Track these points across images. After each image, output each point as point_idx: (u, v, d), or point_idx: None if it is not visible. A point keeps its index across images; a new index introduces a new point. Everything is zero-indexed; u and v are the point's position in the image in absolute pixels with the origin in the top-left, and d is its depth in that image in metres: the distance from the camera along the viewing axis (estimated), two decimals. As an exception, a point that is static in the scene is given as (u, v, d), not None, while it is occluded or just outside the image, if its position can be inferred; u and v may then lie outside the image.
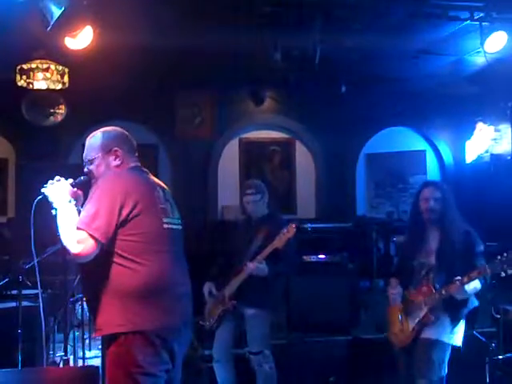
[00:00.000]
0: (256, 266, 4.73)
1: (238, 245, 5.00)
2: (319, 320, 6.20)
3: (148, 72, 7.37)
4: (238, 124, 8.70)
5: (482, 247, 4.04)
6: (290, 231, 4.68)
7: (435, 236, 4.18)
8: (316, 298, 6.28)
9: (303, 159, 8.87)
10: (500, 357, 5.11)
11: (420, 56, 7.29)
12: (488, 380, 5.09)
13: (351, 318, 6.35)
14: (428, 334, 4.06)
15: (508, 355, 5.09)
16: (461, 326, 4.13)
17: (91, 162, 3.23)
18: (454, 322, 4.06)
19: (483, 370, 5.10)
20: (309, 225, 7.40)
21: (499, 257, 3.68)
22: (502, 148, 8.19)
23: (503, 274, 3.66)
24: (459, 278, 3.84)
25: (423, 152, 9.16)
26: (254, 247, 4.86)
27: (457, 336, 4.08)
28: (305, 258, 6.51)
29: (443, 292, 3.95)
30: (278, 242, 4.68)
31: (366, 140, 8.94)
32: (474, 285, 3.92)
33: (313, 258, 6.53)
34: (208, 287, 4.97)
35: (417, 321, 4.10)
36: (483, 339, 5.24)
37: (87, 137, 3.31)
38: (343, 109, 8.45)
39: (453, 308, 4.04)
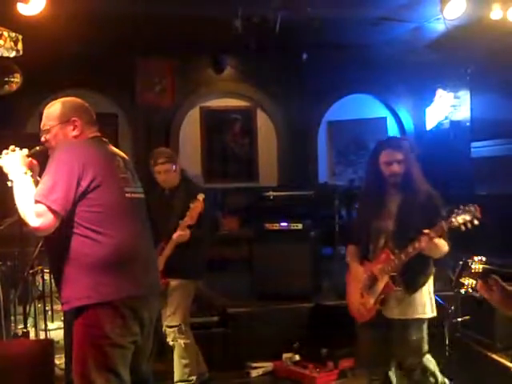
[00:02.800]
0: (180, 235, 4.67)
1: (157, 220, 4.91)
2: (282, 287, 6.23)
3: (106, 39, 7.23)
4: (198, 92, 8.62)
5: (444, 212, 3.75)
6: (198, 205, 4.61)
7: (395, 199, 3.90)
8: (278, 265, 6.29)
9: (264, 127, 8.84)
10: (459, 319, 5.23)
11: (380, 23, 7.28)
12: (447, 342, 5.22)
13: (313, 285, 6.40)
14: (397, 313, 3.84)
15: (466, 317, 5.21)
16: (426, 295, 3.91)
17: (48, 131, 3.19)
18: (410, 291, 3.82)
19: (443, 332, 5.23)
20: (271, 192, 7.40)
21: (456, 210, 3.49)
22: (461, 114, 8.27)
23: (463, 228, 3.47)
24: (427, 231, 3.59)
25: (384, 119, 9.21)
26: (172, 221, 4.78)
27: (428, 307, 3.90)
28: (267, 225, 6.50)
29: (403, 256, 3.68)
30: (189, 219, 4.63)
31: (327, 107, 8.93)
32: (442, 244, 3.74)
33: (275, 226, 6.53)
34: None
35: (378, 293, 3.83)
36: (442, 302, 5.34)
37: (45, 106, 3.26)
38: (304, 76, 8.43)
39: (407, 275, 3.79)
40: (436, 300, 5.37)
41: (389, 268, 3.77)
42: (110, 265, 2.97)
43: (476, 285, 2.61)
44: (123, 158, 3.28)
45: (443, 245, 3.76)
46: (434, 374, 3.99)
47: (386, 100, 9.16)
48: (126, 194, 3.13)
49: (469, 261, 3.30)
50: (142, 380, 3.31)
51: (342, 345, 5.52)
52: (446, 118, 8.49)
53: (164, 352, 5.09)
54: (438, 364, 5.00)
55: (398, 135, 9.20)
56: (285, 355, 5.62)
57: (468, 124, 8.08)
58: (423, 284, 3.90)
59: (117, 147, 3.38)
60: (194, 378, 4.83)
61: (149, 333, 3.23)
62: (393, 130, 9.25)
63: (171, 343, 4.82)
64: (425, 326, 3.90)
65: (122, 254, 3.01)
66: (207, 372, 5.02)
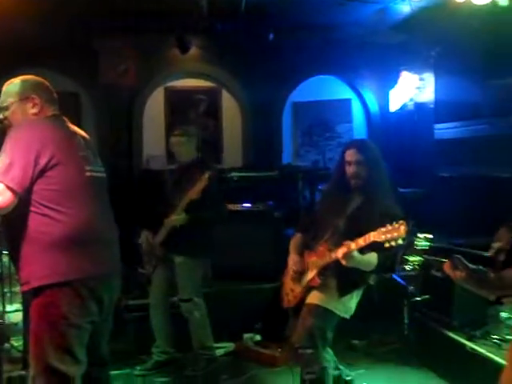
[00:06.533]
0: (175, 219, 4.77)
1: (167, 193, 5.00)
2: (245, 268, 6.27)
3: (68, 18, 7.11)
4: (163, 72, 8.52)
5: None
6: (202, 181, 4.70)
7: (355, 201, 3.91)
8: (241, 246, 6.33)
9: (229, 108, 8.78)
10: (418, 299, 5.33)
11: (346, 3, 7.26)
12: (407, 321, 5.32)
13: (277, 265, 6.40)
14: (312, 298, 3.83)
15: (425, 297, 5.31)
16: (352, 298, 3.89)
17: (7, 108, 3.19)
18: (341, 292, 3.80)
19: (402, 311, 5.32)
20: (234, 174, 7.39)
21: (387, 225, 3.33)
22: (425, 96, 8.31)
23: (387, 245, 3.33)
24: (348, 242, 3.53)
25: (349, 100, 9.22)
26: (178, 196, 4.88)
27: (344, 307, 3.85)
28: (230, 206, 6.51)
29: (332, 255, 3.66)
30: (192, 193, 4.70)
31: (292, 88, 8.88)
32: (369, 258, 3.63)
33: (237, 207, 6.54)
34: (145, 236, 5.00)
35: (305, 283, 3.89)
36: (402, 282, 5.43)
37: (4, 84, 3.25)
38: (270, 57, 8.38)
39: (342, 276, 3.77)
40: (396, 280, 5.49)
41: (320, 263, 3.78)
42: (68, 244, 2.96)
43: (422, 262, 2.65)
44: (83, 137, 3.28)
45: (368, 259, 3.65)
46: (321, 373, 3.88)
47: (350, 81, 9.15)
48: (86, 173, 3.13)
49: (413, 238, 3.33)
50: (100, 360, 3.32)
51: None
52: (411, 99, 8.53)
53: (124, 332, 5.10)
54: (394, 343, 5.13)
55: (363, 117, 9.24)
56: (246, 335, 5.66)
57: (432, 106, 8.13)
58: (352, 290, 3.88)
59: (79, 127, 3.37)
60: (211, 347, 5.15)
61: (108, 312, 3.24)
62: (358, 111, 9.27)
63: (185, 316, 5.02)
64: (331, 320, 3.85)
65: (81, 232, 3.01)
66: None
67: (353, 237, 3.55)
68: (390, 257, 3.72)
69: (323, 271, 3.79)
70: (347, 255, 3.53)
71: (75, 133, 3.25)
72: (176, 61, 8.51)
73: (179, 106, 8.56)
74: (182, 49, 8.33)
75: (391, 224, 3.31)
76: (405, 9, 7.32)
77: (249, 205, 6.57)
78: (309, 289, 3.87)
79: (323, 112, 9.04)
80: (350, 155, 3.88)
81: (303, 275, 3.93)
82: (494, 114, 6.39)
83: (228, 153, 8.71)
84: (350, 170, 3.88)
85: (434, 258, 5.07)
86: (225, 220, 5.17)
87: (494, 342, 4.56)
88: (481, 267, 2.37)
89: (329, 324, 3.84)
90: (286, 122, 8.95)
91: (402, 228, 3.27)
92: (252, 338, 5.66)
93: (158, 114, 8.51)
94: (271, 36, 8.06)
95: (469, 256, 2.43)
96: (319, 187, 7.27)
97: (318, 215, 4.10)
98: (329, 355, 3.97)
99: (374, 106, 9.18)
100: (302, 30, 8.07)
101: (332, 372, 3.98)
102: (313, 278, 3.83)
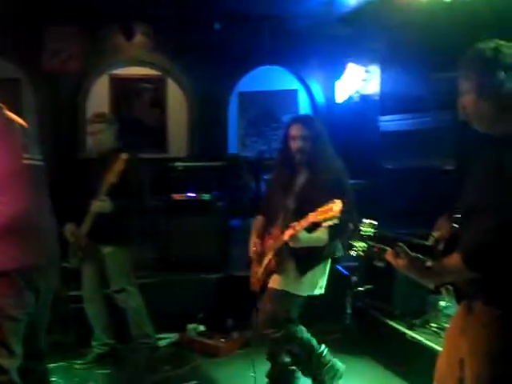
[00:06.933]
0: (98, 204, 4.68)
1: (91, 182, 4.89)
2: (189, 258, 6.23)
3: (11, 2, 6.92)
4: (108, 59, 8.39)
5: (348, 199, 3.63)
6: (119, 162, 4.60)
7: (302, 177, 3.92)
8: (185, 236, 6.29)
9: (175, 97, 8.71)
10: (361, 289, 5.39)
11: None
12: (349, 310, 5.38)
13: (222, 255, 6.42)
14: (272, 282, 3.86)
15: (368, 287, 5.37)
16: (317, 274, 3.91)
17: None
18: (301, 271, 3.82)
19: (345, 301, 5.38)
20: (179, 163, 7.34)
21: (323, 205, 3.36)
22: (371, 88, 8.38)
23: (325, 224, 3.39)
24: (294, 223, 3.56)
25: (295, 91, 9.24)
26: (103, 181, 4.77)
27: (306, 285, 3.87)
28: (175, 196, 6.46)
29: (283, 237, 3.67)
30: (111, 176, 4.62)
31: (239, 78, 8.86)
32: (318, 235, 3.65)
33: (182, 197, 6.50)
34: (69, 228, 4.87)
35: (264, 266, 3.90)
36: (345, 273, 5.49)
37: None
38: (216, 46, 8.33)
39: (299, 255, 3.78)
40: (339, 270, 5.53)
41: (274, 245, 3.80)
42: (4, 233, 2.90)
43: (367, 248, 2.68)
44: (21, 125, 3.21)
45: (316, 237, 3.68)
46: (302, 344, 3.98)
47: (297, 72, 9.18)
48: (23, 161, 3.06)
49: (359, 224, 3.37)
50: (37, 352, 3.26)
51: (249, 315, 5.58)
52: (357, 91, 8.59)
53: (64, 323, 5.02)
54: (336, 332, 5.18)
55: (310, 108, 9.28)
56: (189, 326, 5.63)
57: (377, 98, 8.21)
58: (313, 266, 3.90)
59: (20, 114, 3.29)
60: (151, 335, 5.09)
61: (45, 303, 3.18)
62: (304, 102, 9.30)
63: (121, 306, 4.96)
64: (292, 302, 3.88)
65: (17, 221, 2.94)
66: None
67: (304, 214, 3.55)
68: (340, 229, 3.69)
69: (278, 254, 3.79)
70: (293, 237, 3.57)
71: (12, 120, 3.17)
72: (121, 48, 8.39)
73: (124, 95, 8.45)
74: (127, 36, 8.22)
75: (328, 203, 3.35)
76: (352, 1, 7.36)
77: (193, 195, 6.52)
78: (269, 272, 3.88)
79: (270, 102, 9.05)
80: (295, 130, 3.88)
81: (262, 259, 3.94)
82: (438, 107, 6.46)
83: (173, 142, 8.65)
84: (294, 145, 3.87)
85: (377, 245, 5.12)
86: (148, 209, 5.07)
87: (433, 331, 4.65)
88: (421, 256, 2.39)
89: (290, 306, 3.87)
90: (232, 112, 8.93)
91: (336, 207, 3.31)
92: (196, 328, 5.62)
93: (102, 102, 8.38)
94: (217, 25, 8.02)
95: (410, 245, 2.44)
96: (264, 177, 7.27)
97: (269, 197, 4.13)
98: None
99: (320, 97, 9.23)
100: (249, 19, 8.06)
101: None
102: (269, 262, 3.85)
